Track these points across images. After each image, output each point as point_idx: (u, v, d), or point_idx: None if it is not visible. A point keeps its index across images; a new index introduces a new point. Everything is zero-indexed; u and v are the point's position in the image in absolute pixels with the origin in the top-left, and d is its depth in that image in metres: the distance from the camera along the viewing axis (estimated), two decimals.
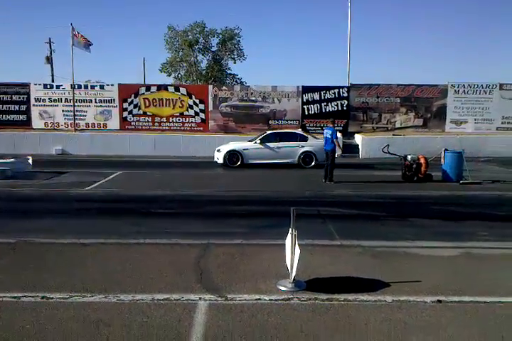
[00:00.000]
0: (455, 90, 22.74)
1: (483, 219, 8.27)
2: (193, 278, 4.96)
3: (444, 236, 6.88)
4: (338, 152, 12.79)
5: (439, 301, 4.45)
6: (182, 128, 23.03)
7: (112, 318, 4.00)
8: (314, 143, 15.59)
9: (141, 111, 23.03)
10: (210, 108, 23.18)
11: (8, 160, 12.86)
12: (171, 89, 23.48)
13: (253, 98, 23.42)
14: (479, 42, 68.70)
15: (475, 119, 22.75)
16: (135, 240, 6.49)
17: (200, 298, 4.43)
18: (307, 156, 15.51)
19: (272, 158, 15.48)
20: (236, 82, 34.50)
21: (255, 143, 15.68)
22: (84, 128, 22.72)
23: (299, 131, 17.45)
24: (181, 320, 3.98)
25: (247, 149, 15.51)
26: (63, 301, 4.36)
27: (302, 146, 15.52)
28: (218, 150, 15.98)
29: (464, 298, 4.56)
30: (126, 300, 4.40)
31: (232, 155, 15.57)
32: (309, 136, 16.30)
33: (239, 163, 15.52)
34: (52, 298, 4.41)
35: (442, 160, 12.89)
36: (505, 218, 8.39)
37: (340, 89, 23.18)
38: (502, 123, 22.66)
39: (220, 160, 15.65)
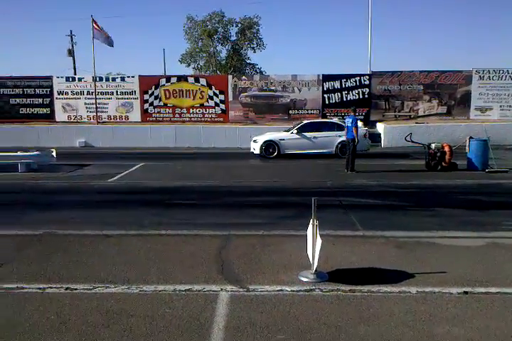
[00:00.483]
0: (480, 76, 22.13)
1: (509, 208, 8.07)
2: (214, 269, 4.97)
3: (469, 226, 6.73)
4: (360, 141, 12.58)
5: (466, 292, 4.36)
6: (202, 119, 23.05)
7: (134, 309, 4.04)
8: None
9: (161, 103, 23.11)
10: (230, 98, 23.12)
11: (33, 153, 13.07)
12: (191, 80, 23.47)
13: (273, 88, 23.24)
14: (503, 27, 66.65)
15: (500, 106, 22.13)
16: (156, 231, 6.53)
17: (221, 289, 4.43)
18: (344, 146, 14.87)
19: (308, 148, 15.24)
20: (256, 71, 34.30)
21: (292, 133, 15.40)
22: (107, 120, 22.94)
23: (335, 120, 16.92)
24: (203, 310, 3.99)
25: (283, 139, 15.29)
26: (87, 292, 4.42)
27: (339, 136, 15.05)
28: (255, 141, 15.80)
29: (491, 289, 4.45)
30: (149, 290, 4.44)
31: (268, 146, 15.38)
32: None
33: (275, 153, 15.35)
34: (76, 289, 4.48)
35: (467, 148, 12.59)
36: None
37: (362, 77, 22.79)
38: None
39: (257, 151, 15.49)
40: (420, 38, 73.10)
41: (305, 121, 16.46)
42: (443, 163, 12.28)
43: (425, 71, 22.56)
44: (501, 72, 22.00)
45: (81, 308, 4.07)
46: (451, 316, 3.88)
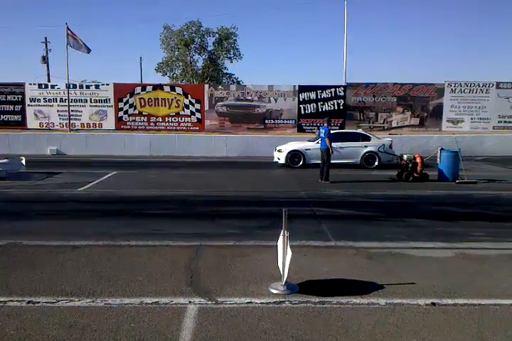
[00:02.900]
0: (452, 89, 22.72)
1: (478, 219, 8.22)
2: (183, 281, 4.88)
3: (439, 237, 6.81)
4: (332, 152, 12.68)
5: (433, 304, 4.38)
6: (178, 128, 22.98)
7: (98, 324, 3.92)
8: (378, 143, 15.19)
9: (136, 111, 22.97)
10: (206, 107, 23.12)
11: (1, 161, 12.73)
12: (167, 88, 23.40)
13: (249, 97, 23.35)
14: (477, 41, 68.78)
15: (471, 118, 22.75)
16: (126, 242, 6.40)
17: (189, 302, 4.35)
18: (370, 157, 15.13)
19: (334, 158, 14.76)
20: (232, 81, 34.41)
21: (317, 143, 14.95)
22: (80, 128, 22.63)
23: (360, 130, 17.00)
24: (170, 324, 3.90)
25: (309, 149, 15.15)
26: (50, 306, 4.27)
27: (365, 146, 15.14)
28: (279, 151, 15.70)
29: (459, 300, 4.49)
30: (114, 304, 4.32)
31: (294, 156, 15.35)
32: (372, 136, 15.88)
33: (301, 163, 15.33)
34: (38, 303, 4.32)
35: (438, 159, 12.84)
36: (500, 218, 8.33)
37: (337, 89, 23.14)
38: (498, 122, 22.67)
39: (282, 161, 15.40)
40: (395, 50, 74.72)
41: (331, 131, 16.38)
42: (415, 174, 12.48)
43: (399, 83, 23.06)
44: (472, 85, 22.64)
45: (42, 323, 3.92)
46: (418, 328, 3.89)
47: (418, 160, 12.56)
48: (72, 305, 4.29)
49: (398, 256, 5.95)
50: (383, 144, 14.95)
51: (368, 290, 4.71)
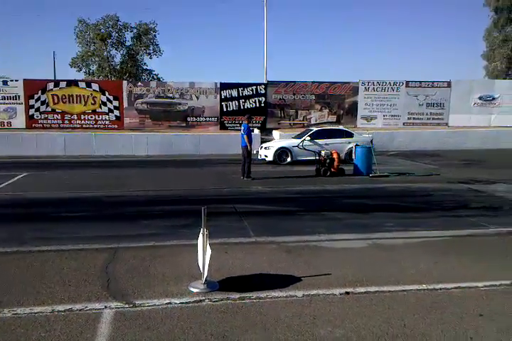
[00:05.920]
0: (365, 87, 23.88)
1: (389, 210, 8.72)
2: (98, 286, 4.69)
3: (354, 228, 7.15)
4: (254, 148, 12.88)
5: (347, 293, 4.59)
6: (95, 126, 22.09)
7: (6, 335, 3.66)
8: (360, 139, 15.66)
9: (49, 109, 21.75)
10: (125, 105, 22.43)
11: None
12: (82, 84, 22.38)
13: (170, 95, 22.98)
14: (390, 41, 72.84)
15: (384, 115, 24.08)
16: (37, 247, 6.04)
17: (105, 307, 4.19)
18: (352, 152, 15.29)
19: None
20: (152, 78, 33.61)
21: (305, 140, 15.34)
22: None
23: (341, 127, 17.73)
24: (84, 331, 3.74)
25: (296, 146, 15.17)
26: None
27: (349, 142, 15.64)
28: (266, 148, 15.84)
29: (371, 288, 4.73)
30: (23, 313, 4.06)
31: (282, 153, 15.56)
32: (354, 133, 16.53)
33: (288, 159, 15.51)
34: None
35: (353, 154, 13.47)
36: (408, 209, 8.90)
37: (258, 86, 23.45)
38: (408, 118, 24.18)
39: (270, 158, 15.63)
40: (313, 49, 77.09)
41: (315, 129, 16.75)
42: (332, 169, 12.99)
43: (317, 82, 23.83)
44: (384, 83, 23.94)
45: None
46: (333, 317, 4.05)
47: (335, 156, 13.10)
48: None
49: (316, 248, 6.15)
50: (366, 140, 15.43)
51: (286, 283, 4.83)
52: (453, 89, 24.06)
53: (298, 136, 16.54)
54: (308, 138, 15.73)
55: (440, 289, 4.72)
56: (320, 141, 15.62)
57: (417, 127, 23.81)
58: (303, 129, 22.41)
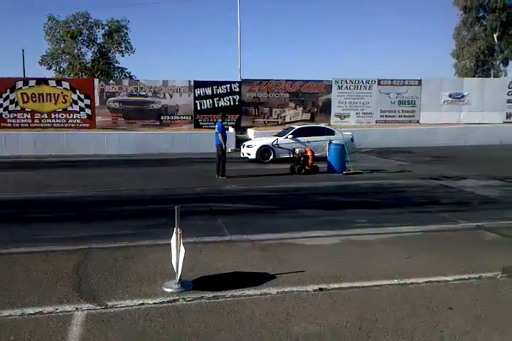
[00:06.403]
0: (338, 86, 24.08)
1: (362, 207, 8.83)
2: (69, 288, 4.61)
3: (327, 225, 7.21)
4: (229, 146, 12.85)
5: (321, 289, 4.63)
6: (66, 125, 21.61)
7: None
8: (340, 137, 15.50)
9: (18, 108, 21.18)
10: (97, 103, 22.03)
11: None
12: (52, 83, 21.86)
13: (143, 93, 22.69)
14: (361, 41, 73.70)
15: (357, 113, 24.32)
16: (6, 250, 5.88)
17: (76, 309, 4.12)
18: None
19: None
20: (125, 76, 33.13)
21: (286, 138, 15.43)
22: None
23: (323, 125, 17.82)
24: (54, 334, 3.66)
25: (278, 144, 15.10)
26: None
27: (330, 140, 15.36)
28: (249, 146, 15.79)
29: (344, 284, 4.79)
30: None
31: (264, 151, 15.57)
32: (336, 131, 16.43)
33: (271, 157, 15.53)
34: None
35: (327, 152, 13.58)
36: (380, 205, 9.03)
37: (232, 85, 23.35)
38: (380, 116, 24.49)
39: (252, 156, 15.62)
40: (287, 48, 77.37)
41: (297, 127, 16.73)
42: (306, 167, 13.07)
43: (291, 80, 23.89)
44: (357, 81, 24.19)
45: None
46: (307, 314, 4.08)
47: (309, 153, 13.18)
48: None
49: (290, 245, 6.18)
50: (347, 138, 15.52)
51: (261, 280, 4.84)
52: (423, 87, 24.49)
53: (280, 134, 16.56)
54: (291, 136, 15.79)
55: (411, 284, 4.82)
56: (302, 139, 15.70)
57: (389, 124, 24.16)
58: (277, 127, 22.52)
